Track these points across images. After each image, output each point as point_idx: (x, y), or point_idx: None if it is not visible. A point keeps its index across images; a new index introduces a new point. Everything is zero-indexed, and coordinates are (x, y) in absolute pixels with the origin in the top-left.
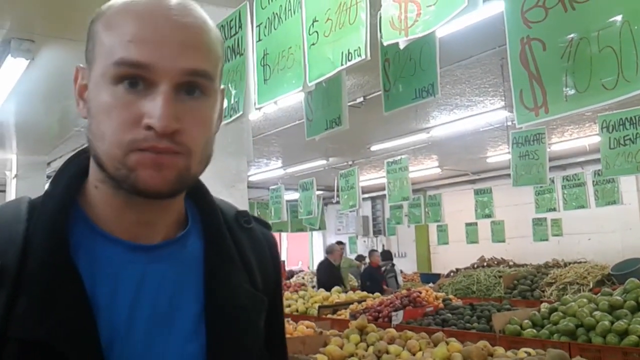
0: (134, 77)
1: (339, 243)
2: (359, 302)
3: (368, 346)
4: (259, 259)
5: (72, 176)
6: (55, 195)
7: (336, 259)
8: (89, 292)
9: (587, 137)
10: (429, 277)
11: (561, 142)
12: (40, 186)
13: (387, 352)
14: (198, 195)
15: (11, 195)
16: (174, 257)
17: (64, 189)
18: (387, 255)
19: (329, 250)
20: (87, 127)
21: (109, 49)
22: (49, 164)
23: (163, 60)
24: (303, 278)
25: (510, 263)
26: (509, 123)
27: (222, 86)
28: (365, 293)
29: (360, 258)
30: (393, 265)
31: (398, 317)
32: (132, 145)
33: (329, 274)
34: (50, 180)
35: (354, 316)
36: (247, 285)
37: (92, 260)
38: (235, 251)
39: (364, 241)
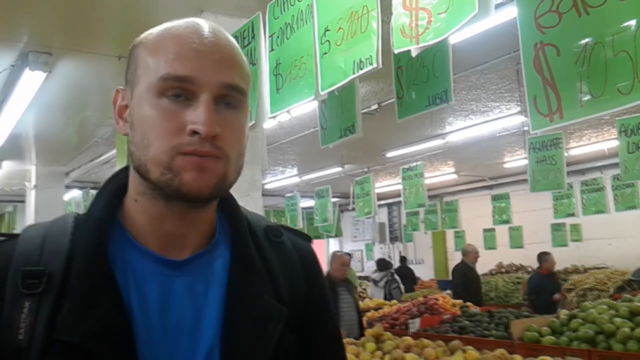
0: (178, 90)
1: (347, 254)
2: (376, 309)
3: (384, 354)
4: (287, 271)
5: (112, 193)
6: (97, 211)
7: (472, 260)
8: (124, 299)
9: (606, 141)
10: (446, 284)
11: (579, 147)
12: (59, 196)
13: None
14: (227, 207)
15: (31, 205)
16: (200, 270)
17: (105, 205)
18: (384, 264)
19: (464, 252)
20: (129, 141)
21: (154, 67)
22: (67, 174)
23: (203, 73)
24: None
25: (529, 269)
26: (526, 128)
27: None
28: (381, 300)
29: (385, 264)
30: (393, 274)
31: (415, 324)
32: (177, 150)
33: (465, 277)
34: (93, 197)
35: (370, 324)
36: (267, 296)
37: (126, 270)
38: (260, 263)
39: (381, 248)
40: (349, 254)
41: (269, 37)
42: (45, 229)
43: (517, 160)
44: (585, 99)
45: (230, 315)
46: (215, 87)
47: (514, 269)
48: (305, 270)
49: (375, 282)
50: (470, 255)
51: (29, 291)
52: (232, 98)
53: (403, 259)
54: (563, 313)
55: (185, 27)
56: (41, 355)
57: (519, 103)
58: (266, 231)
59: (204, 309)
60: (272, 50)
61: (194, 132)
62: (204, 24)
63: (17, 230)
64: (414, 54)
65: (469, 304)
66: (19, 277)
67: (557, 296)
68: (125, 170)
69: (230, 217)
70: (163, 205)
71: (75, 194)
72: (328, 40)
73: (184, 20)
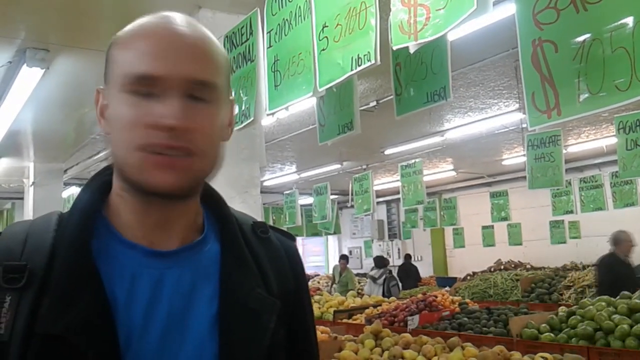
0: (146, 88)
1: (343, 257)
2: (375, 306)
3: (383, 351)
4: (276, 267)
5: (96, 189)
6: (80, 207)
7: (625, 252)
8: (108, 293)
9: (604, 138)
10: (445, 281)
11: (578, 144)
12: (57, 193)
13: (402, 358)
14: (214, 204)
15: (29, 202)
16: (190, 261)
17: (88, 200)
18: (382, 261)
19: (615, 241)
20: (110, 142)
21: (122, 66)
22: (65, 171)
23: (170, 71)
24: (319, 282)
25: (528, 266)
26: (524, 125)
27: (230, 96)
28: (380, 297)
29: (383, 261)
30: (391, 271)
31: (414, 321)
32: (146, 147)
33: (613, 273)
34: (77, 195)
35: (369, 321)
36: (260, 289)
37: (112, 264)
38: (250, 257)
39: (380, 245)
40: (345, 256)
41: (267, 33)
42: (28, 226)
43: (515, 157)
44: (583, 95)
45: (226, 308)
46: (184, 83)
47: (513, 266)
48: (293, 268)
49: (374, 279)
50: (622, 244)
51: (10, 286)
52: (201, 94)
53: (408, 257)
54: (561, 310)
55: (156, 23)
56: (22, 349)
57: (518, 100)
58: (253, 227)
59: (193, 302)
60: (270, 46)
61: (163, 127)
62: (176, 18)
63: None
64: (412, 50)
65: (468, 300)
66: (0, 272)
67: None
68: (110, 167)
69: (218, 214)
70: (144, 200)
71: (73, 191)
72: (326, 37)
73: (156, 15)
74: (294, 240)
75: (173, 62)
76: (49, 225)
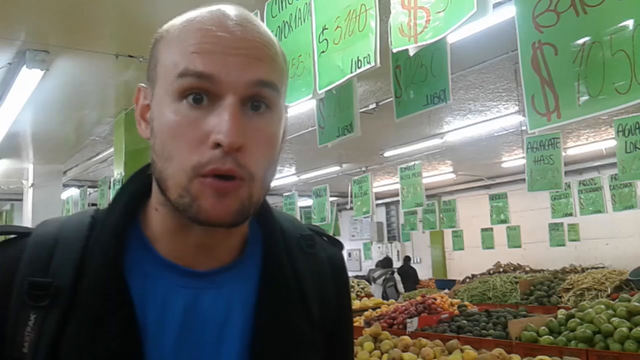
0: (198, 91)
1: None
2: (374, 309)
3: (382, 354)
4: (319, 286)
5: (133, 195)
6: (113, 216)
7: None
8: (139, 317)
9: (604, 141)
10: (444, 283)
11: (577, 147)
12: (56, 195)
13: None
14: (261, 214)
15: (28, 204)
16: (227, 284)
17: (123, 207)
18: (387, 262)
19: None
20: (150, 147)
21: (171, 63)
22: (65, 172)
23: (228, 71)
24: None
25: (527, 269)
26: (524, 128)
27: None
28: (380, 300)
29: (389, 263)
30: (393, 272)
31: (413, 324)
32: (196, 170)
33: None
34: (112, 197)
35: (368, 323)
36: (299, 320)
37: (145, 283)
38: (292, 278)
39: (379, 247)
40: None
41: None
42: (59, 229)
43: (514, 159)
44: (583, 98)
45: (260, 339)
46: (242, 87)
47: (512, 268)
48: (336, 282)
49: (374, 280)
50: None
51: (35, 303)
52: (263, 98)
53: (407, 259)
54: (561, 313)
55: (210, 16)
56: None
57: (517, 102)
58: (299, 241)
59: (227, 328)
60: None
61: (217, 145)
62: (231, 12)
63: None
64: (411, 53)
65: (467, 303)
66: (25, 287)
67: None
68: (149, 167)
69: (264, 226)
70: (184, 222)
71: (72, 192)
72: (326, 39)
73: (208, 9)
74: (341, 248)
75: (234, 61)
76: (80, 231)
